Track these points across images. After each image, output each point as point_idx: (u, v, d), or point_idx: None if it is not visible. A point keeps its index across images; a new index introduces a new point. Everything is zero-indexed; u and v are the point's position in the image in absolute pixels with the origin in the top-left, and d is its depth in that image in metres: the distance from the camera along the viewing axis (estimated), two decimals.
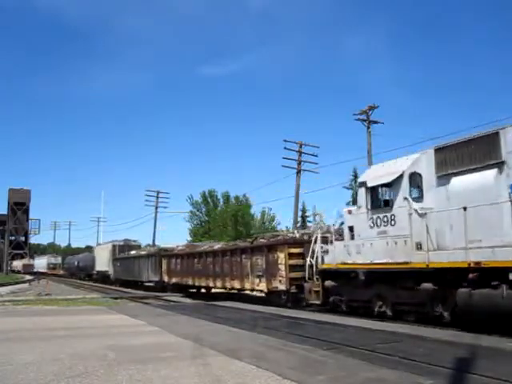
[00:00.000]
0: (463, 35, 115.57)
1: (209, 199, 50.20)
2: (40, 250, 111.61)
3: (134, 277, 31.25)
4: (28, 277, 55.67)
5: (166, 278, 25.47)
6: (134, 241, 40.70)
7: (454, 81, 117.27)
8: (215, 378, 5.35)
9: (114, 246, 38.36)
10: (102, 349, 7.24)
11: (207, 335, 8.74)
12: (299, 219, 41.08)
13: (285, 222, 57.46)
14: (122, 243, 38.90)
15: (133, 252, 34.25)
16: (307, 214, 50.59)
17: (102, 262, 40.20)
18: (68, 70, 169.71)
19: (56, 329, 10.10)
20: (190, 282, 22.42)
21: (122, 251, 36.79)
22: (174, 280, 24.57)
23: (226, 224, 43.61)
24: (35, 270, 70.49)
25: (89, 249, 73.08)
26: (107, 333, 9.46)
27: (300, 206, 41.31)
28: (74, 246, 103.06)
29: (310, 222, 49.50)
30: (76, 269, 53.09)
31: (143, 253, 31.14)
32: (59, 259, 69.94)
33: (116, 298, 21.44)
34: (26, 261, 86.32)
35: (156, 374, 5.58)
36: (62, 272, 62.79)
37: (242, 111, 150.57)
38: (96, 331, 9.76)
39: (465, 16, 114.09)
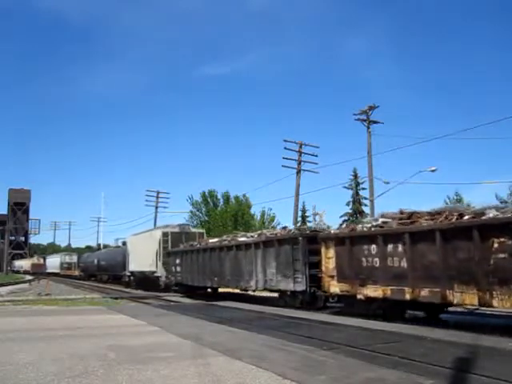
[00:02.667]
0: (463, 35, 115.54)
1: (209, 199, 50.18)
2: (40, 250, 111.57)
3: (219, 281, 18.87)
4: (28, 277, 55.39)
5: (336, 287, 12.53)
6: (195, 226, 28.32)
7: (454, 81, 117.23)
8: (215, 378, 5.35)
9: (165, 234, 25.68)
10: (102, 349, 7.24)
11: (207, 335, 8.74)
12: (299, 219, 41.14)
13: (285, 222, 57.38)
14: (176, 229, 26.24)
15: (213, 240, 21.79)
16: (307, 214, 50.76)
17: (142, 259, 27.55)
18: (68, 70, 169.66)
19: (56, 329, 10.08)
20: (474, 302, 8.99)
21: (179, 241, 24.61)
22: (371, 291, 11.33)
23: (226, 224, 43.61)
24: (48, 271, 62.66)
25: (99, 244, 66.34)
26: (107, 333, 9.44)
27: (300, 206, 41.48)
28: (73, 246, 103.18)
29: (310, 222, 49.70)
30: (96, 269, 43.00)
31: (244, 239, 17.79)
32: (74, 258, 60.08)
33: (116, 298, 21.41)
34: (35, 260, 76.88)
35: (156, 374, 5.58)
36: (77, 273, 53.57)
37: (242, 111, 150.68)
38: (96, 331, 9.74)
39: (465, 16, 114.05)
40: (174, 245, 24.78)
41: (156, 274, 25.63)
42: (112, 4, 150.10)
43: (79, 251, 73.81)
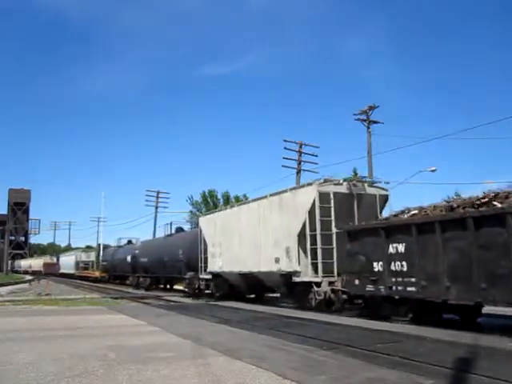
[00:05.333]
0: (463, 35, 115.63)
1: (209, 199, 50.12)
2: (40, 250, 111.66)
3: None
4: (28, 277, 55.24)
5: None
6: (373, 182, 15.44)
7: (454, 81, 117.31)
8: (215, 378, 5.35)
9: (324, 197, 13.29)
10: (102, 349, 7.24)
11: (207, 335, 8.74)
12: None
13: None
14: (342, 189, 13.71)
15: None
16: None
17: (251, 251, 16.12)
18: (68, 70, 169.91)
19: (56, 329, 10.09)
20: None
21: (348, 210, 13.36)
22: None
23: None
24: (62, 271, 55.91)
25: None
26: (107, 333, 9.45)
27: None
28: (73, 245, 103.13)
29: None
30: (129, 269, 32.15)
31: None
32: (93, 256, 47.67)
33: (116, 298, 21.39)
34: (48, 259, 67.79)
35: (156, 374, 5.57)
36: (98, 274, 41.89)
37: (243, 111, 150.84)
38: (96, 331, 9.74)
39: (465, 16, 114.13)
40: (338, 216, 13.18)
41: (301, 278, 13.66)
42: (112, 4, 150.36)
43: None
